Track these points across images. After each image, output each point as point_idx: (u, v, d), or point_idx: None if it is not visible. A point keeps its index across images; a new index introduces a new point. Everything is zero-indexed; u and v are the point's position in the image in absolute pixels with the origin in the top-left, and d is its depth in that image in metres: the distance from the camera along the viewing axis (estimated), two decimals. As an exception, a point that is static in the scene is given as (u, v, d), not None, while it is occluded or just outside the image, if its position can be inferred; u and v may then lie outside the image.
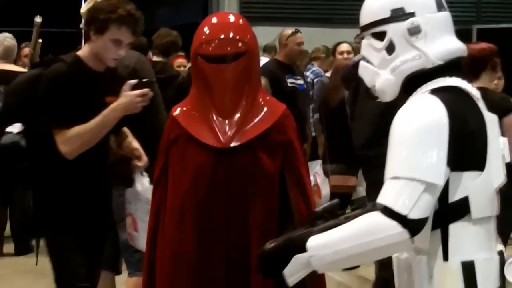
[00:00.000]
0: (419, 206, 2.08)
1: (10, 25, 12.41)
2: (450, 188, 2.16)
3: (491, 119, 2.26)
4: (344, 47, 7.66)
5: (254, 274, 2.85)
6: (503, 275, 2.24)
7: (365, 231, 2.12)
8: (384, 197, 2.12)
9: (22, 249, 7.01)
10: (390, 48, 2.26)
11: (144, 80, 3.63)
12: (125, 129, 3.73)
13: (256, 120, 2.96)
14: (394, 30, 2.25)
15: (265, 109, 2.99)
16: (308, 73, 8.24)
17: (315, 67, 8.47)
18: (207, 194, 2.92)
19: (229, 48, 2.89)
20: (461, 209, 2.18)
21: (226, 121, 2.93)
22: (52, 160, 3.44)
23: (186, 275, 2.93)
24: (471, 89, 2.25)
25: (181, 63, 7.48)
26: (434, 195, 2.11)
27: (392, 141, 2.17)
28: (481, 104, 2.27)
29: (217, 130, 2.92)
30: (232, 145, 2.91)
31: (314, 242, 2.17)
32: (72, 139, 3.39)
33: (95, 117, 3.40)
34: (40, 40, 5.46)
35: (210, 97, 2.94)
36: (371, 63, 2.31)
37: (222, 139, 2.91)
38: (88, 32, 3.49)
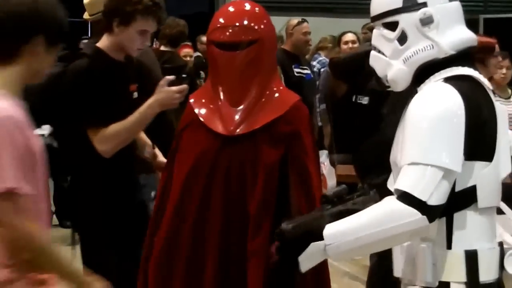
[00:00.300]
0: (438, 192, 2.10)
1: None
2: (458, 177, 2.16)
3: (501, 110, 2.27)
4: (349, 36, 7.63)
5: (249, 262, 2.85)
6: (502, 266, 2.25)
7: (383, 218, 2.13)
8: (403, 183, 2.13)
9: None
10: (402, 39, 2.26)
11: (182, 76, 3.60)
12: None
13: (265, 109, 2.94)
14: (406, 20, 2.26)
15: (277, 99, 2.97)
16: (314, 63, 8.23)
17: (322, 57, 8.46)
18: (206, 180, 2.91)
19: (243, 37, 2.89)
20: (468, 198, 2.19)
21: (235, 109, 2.92)
22: (88, 158, 3.40)
23: (179, 262, 2.92)
24: (483, 79, 2.26)
25: (187, 53, 7.48)
26: (450, 182, 2.13)
27: (409, 128, 2.17)
28: (492, 94, 2.27)
29: (225, 117, 2.92)
30: (237, 133, 2.90)
31: (331, 230, 2.17)
32: (109, 138, 3.34)
33: (131, 115, 3.35)
34: None
35: (220, 84, 2.94)
36: (383, 53, 2.31)
37: (228, 126, 2.90)
38: (109, 23, 3.41)
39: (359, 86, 4.69)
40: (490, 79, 4.08)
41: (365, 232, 2.13)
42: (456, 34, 2.25)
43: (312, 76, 7.15)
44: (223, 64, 2.90)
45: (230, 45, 2.88)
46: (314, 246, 2.17)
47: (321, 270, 2.84)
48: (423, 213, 2.09)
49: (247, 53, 2.88)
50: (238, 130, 2.90)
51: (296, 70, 6.91)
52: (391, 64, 2.28)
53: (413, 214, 2.09)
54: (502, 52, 5.34)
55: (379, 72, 2.33)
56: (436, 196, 2.09)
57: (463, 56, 2.25)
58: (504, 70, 5.42)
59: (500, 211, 2.35)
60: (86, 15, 4.40)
